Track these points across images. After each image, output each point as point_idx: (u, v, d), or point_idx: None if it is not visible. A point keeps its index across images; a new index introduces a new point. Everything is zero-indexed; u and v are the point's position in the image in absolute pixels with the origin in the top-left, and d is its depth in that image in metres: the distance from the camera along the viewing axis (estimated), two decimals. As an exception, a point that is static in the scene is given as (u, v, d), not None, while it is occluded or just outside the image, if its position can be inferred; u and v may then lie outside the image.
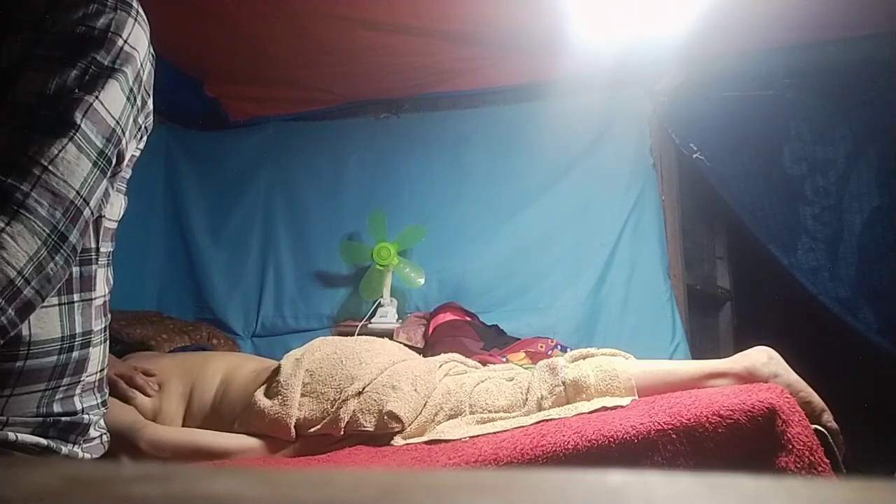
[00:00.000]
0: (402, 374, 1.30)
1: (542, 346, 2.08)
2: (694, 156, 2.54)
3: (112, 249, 0.87)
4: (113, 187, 0.79)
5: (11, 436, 0.73)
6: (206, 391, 1.39)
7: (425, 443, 1.19)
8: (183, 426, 1.36)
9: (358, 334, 2.33)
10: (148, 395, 1.36)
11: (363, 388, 1.27)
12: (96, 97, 0.70)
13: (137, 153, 0.86)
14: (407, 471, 0.33)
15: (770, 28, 2.25)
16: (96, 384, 0.86)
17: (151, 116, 0.84)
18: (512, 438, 1.02)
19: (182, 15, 2.17)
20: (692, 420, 0.94)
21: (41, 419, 0.77)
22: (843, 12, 2.15)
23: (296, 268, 2.87)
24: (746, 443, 0.93)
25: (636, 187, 2.62)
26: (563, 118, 2.65)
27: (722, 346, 2.90)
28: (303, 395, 1.29)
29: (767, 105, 2.54)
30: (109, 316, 0.87)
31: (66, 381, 0.79)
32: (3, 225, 0.63)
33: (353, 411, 1.25)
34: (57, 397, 0.78)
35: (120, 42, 0.73)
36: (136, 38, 0.75)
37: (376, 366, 1.32)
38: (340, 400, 1.25)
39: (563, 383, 1.19)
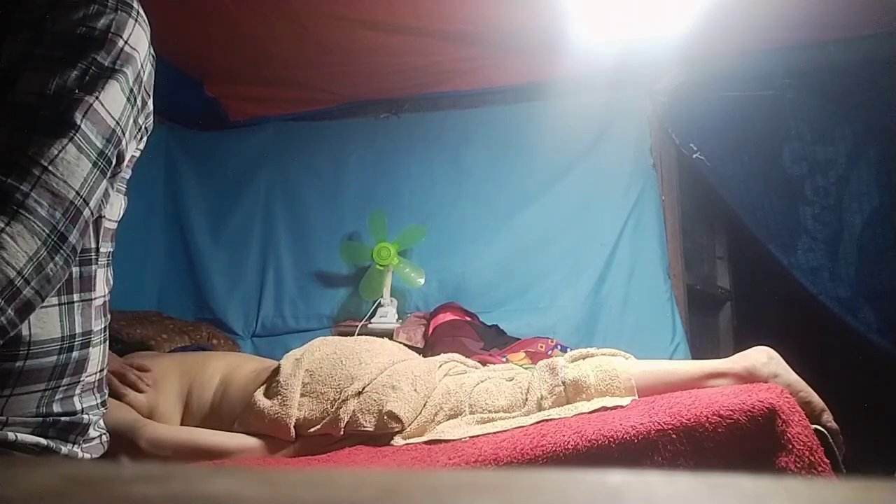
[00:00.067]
0: (401, 374, 1.30)
1: (542, 346, 2.08)
2: (694, 156, 2.54)
3: (112, 250, 0.87)
4: (113, 187, 0.79)
5: (11, 436, 0.73)
6: (205, 391, 1.39)
7: (425, 443, 1.19)
8: (181, 425, 1.36)
9: (358, 334, 2.33)
10: (140, 391, 1.36)
11: (363, 388, 1.27)
12: (96, 98, 0.71)
13: (137, 154, 0.86)
14: (407, 471, 0.33)
15: (770, 28, 2.25)
16: (96, 384, 0.86)
17: (152, 117, 0.84)
18: (512, 438, 1.02)
19: (182, 15, 2.17)
20: (692, 420, 0.94)
21: (41, 419, 0.77)
22: (843, 12, 2.15)
23: (296, 268, 2.87)
24: (746, 443, 0.93)
25: (636, 187, 2.62)
26: (563, 118, 2.65)
27: (722, 346, 2.90)
28: (302, 395, 1.29)
29: (767, 105, 2.54)
30: (109, 316, 0.87)
31: (65, 381, 0.79)
32: (2, 225, 0.63)
33: (353, 411, 1.25)
34: (57, 397, 0.78)
35: (120, 43, 0.73)
36: (137, 38, 0.75)
37: (376, 366, 1.32)
38: (340, 400, 1.25)
39: (563, 383, 1.19)
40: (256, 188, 2.95)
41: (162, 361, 1.47)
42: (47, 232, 0.66)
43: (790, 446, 0.91)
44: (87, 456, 0.84)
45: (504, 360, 1.97)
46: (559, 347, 2.08)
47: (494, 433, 1.13)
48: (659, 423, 0.94)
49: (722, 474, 0.20)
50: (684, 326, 2.49)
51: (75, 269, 0.78)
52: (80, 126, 0.69)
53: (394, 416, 1.22)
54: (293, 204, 2.93)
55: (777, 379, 1.08)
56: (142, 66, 0.77)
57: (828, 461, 0.92)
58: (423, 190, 2.83)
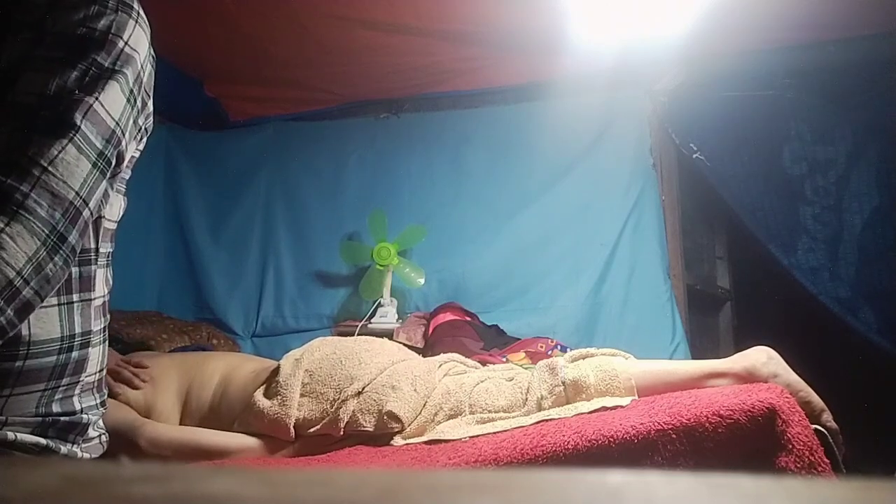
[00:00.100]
0: (401, 374, 1.30)
1: (542, 346, 2.08)
2: (694, 156, 2.55)
3: (111, 250, 0.87)
4: (112, 188, 0.79)
5: (11, 435, 0.73)
6: (205, 390, 1.39)
7: (425, 443, 1.19)
8: (180, 425, 1.36)
9: (358, 334, 2.33)
10: (135, 388, 1.36)
11: (363, 389, 1.27)
12: (96, 98, 0.71)
13: (137, 154, 0.86)
14: (407, 471, 0.33)
15: (770, 28, 2.25)
16: (95, 384, 0.86)
17: (151, 118, 0.84)
18: (512, 438, 1.02)
19: (182, 15, 2.17)
20: (692, 420, 0.94)
21: (40, 419, 0.77)
22: (843, 12, 2.15)
23: (296, 268, 2.87)
24: (746, 443, 0.93)
25: (636, 187, 2.62)
26: (563, 118, 2.65)
27: (722, 346, 2.90)
28: (302, 396, 1.29)
29: (767, 105, 2.54)
30: (109, 316, 0.87)
31: (65, 381, 0.79)
32: (2, 225, 0.63)
33: (353, 411, 1.25)
34: (56, 397, 0.78)
35: (120, 44, 0.73)
36: (137, 39, 0.75)
37: (376, 366, 1.32)
38: (340, 400, 1.25)
39: (563, 383, 1.19)
40: (256, 188, 2.95)
41: (161, 361, 1.47)
42: (47, 232, 0.66)
43: (790, 446, 0.91)
44: (87, 456, 0.84)
45: (504, 360, 1.97)
46: (559, 347, 2.08)
47: (494, 433, 1.13)
48: (659, 423, 0.94)
49: (722, 474, 0.20)
50: (684, 326, 2.49)
51: (75, 270, 0.78)
52: (79, 127, 0.69)
53: (393, 416, 1.22)
54: (293, 204, 2.93)
55: (777, 379, 1.08)
56: (142, 66, 0.77)
57: (828, 461, 0.92)
58: (423, 190, 2.83)
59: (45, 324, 0.75)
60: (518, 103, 2.79)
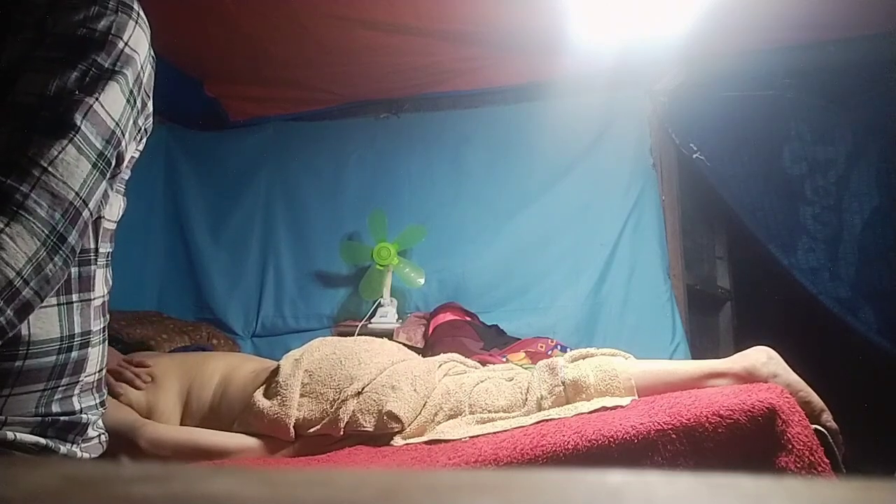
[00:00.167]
0: (401, 375, 1.30)
1: (542, 346, 2.08)
2: (694, 156, 2.55)
3: (111, 250, 0.87)
4: (112, 188, 0.79)
5: (10, 435, 0.73)
6: (205, 391, 1.39)
7: (425, 443, 1.19)
8: (180, 425, 1.36)
9: (358, 334, 2.33)
10: (137, 388, 1.36)
11: (362, 389, 1.27)
12: (96, 99, 0.71)
13: (137, 154, 0.86)
14: (407, 471, 0.33)
15: (770, 28, 2.25)
16: (95, 384, 0.86)
17: (151, 118, 0.84)
18: (512, 438, 1.02)
19: (182, 15, 2.17)
20: (692, 420, 0.94)
21: (40, 419, 0.77)
22: (843, 12, 2.15)
23: (296, 268, 2.87)
24: (746, 443, 0.93)
25: (636, 187, 2.62)
26: (563, 118, 2.65)
27: (722, 346, 2.90)
28: (302, 396, 1.29)
29: (767, 105, 2.54)
30: (108, 316, 0.87)
31: (64, 381, 0.79)
32: (2, 226, 0.63)
33: (353, 411, 1.25)
34: (56, 397, 0.78)
35: (120, 44, 0.73)
36: (137, 40, 0.75)
37: (375, 366, 1.32)
38: (340, 400, 1.25)
39: (563, 383, 1.19)
40: (256, 188, 2.95)
41: (162, 361, 1.47)
42: (46, 233, 0.66)
43: (790, 446, 0.91)
44: (86, 455, 0.84)
45: (504, 360, 1.97)
46: (559, 347, 2.08)
47: (494, 433, 1.13)
48: (659, 423, 0.94)
49: (722, 474, 0.20)
50: (684, 326, 2.49)
51: (74, 270, 0.78)
52: (79, 127, 0.69)
53: (393, 417, 1.22)
54: (293, 204, 2.93)
55: (776, 379, 1.08)
56: (142, 67, 0.77)
57: (828, 461, 0.92)
58: (423, 190, 2.83)
59: (44, 324, 0.75)
60: (518, 103, 2.79)
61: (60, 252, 0.68)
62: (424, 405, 1.27)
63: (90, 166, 0.70)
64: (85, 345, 0.81)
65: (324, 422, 1.25)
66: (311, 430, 1.26)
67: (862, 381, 2.16)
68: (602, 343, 2.00)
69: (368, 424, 1.23)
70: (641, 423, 0.95)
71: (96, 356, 0.84)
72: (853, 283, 2.41)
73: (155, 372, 1.41)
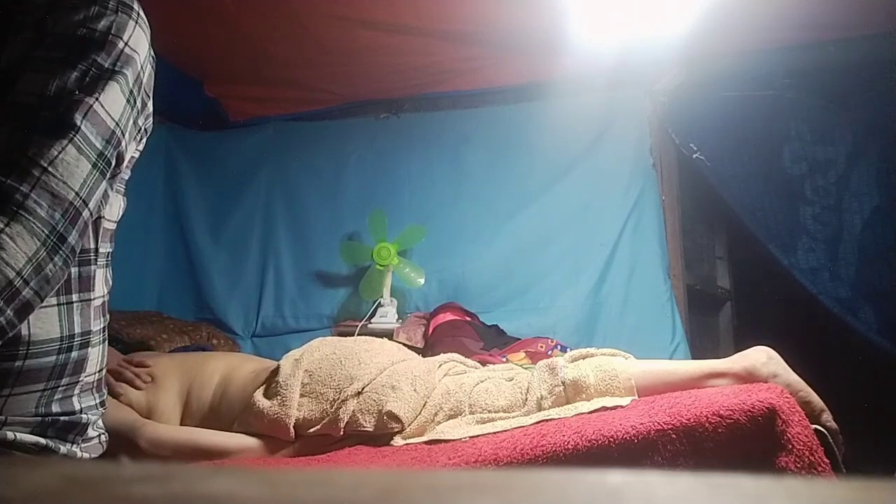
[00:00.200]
0: (401, 375, 1.30)
1: (542, 346, 2.08)
2: (694, 156, 2.55)
3: (111, 250, 0.87)
4: (112, 188, 0.79)
5: (10, 435, 0.73)
6: (205, 391, 1.39)
7: (425, 443, 1.19)
8: (180, 425, 1.36)
9: (358, 334, 2.33)
10: (137, 388, 1.36)
11: (362, 389, 1.27)
12: (96, 99, 0.71)
13: (137, 155, 0.86)
14: (407, 471, 0.33)
15: (770, 28, 2.25)
16: (95, 384, 0.86)
17: (151, 118, 0.84)
18: (512, 438, 1.02)
19: (182, 15, 2.17)
20: (692, 420, 0.94)
21: (40, 419, 0.77)
22: (843, 12, 2.15)
23: (296, 268, 2.87)
24: (746, 443, 0.93)
25: (636, 187, 2.62)
26: (563, 118, 2.65)
27: (722, 346, 2.90)
28: (302, 396, 1.29)
29: (767, 105, 2.54)
30: (108, 316, 0.87)
31: (64, 381, 0.79)
32: (2, 226, 0.63)
33: (353, 411, 1.25)
34: (56, 397, 0.78)
35: (120, 44, 0.73)
36: (137, 40, 0.75)
37: (375, 366, 1.32)
38: (340, 400, 1.25)
39: (563, 383, 1.19)
40: (256, 188, 2.95)
41: (162, 361, 1.47)
42: (46, 233, 0.66)
43: (790, 446, 0.91)
44: (86, 455, 0.84)
45: (504, 360, 1.97)
46: (559, 347, 2.08)
47: (494, 433, 1.13)
48: (659, 423, 0.94)
49: (722, 474, 0.20)
50: (684, 326, 2.49)
51: (74, 270, 0.78)
52: (79, 127, 0.69)
53: (393, 417, 1.22)
54: (293, 204, 2.93)
55: (776, 379, 1.08)
56: (141, 67, 0.77)
57: (828, 461, 0.92)
58: (423, 190, 2.83)
59: (44, 324, 0.75)
60: (518, 103, 2.79)
61: (60, 252, 0.68)
62: (424, 405, 1.27)
63: (90, 166, 0.70)
64: (85, 345, 0.81)
65: (324, 422, 1.25)
66: (311, 430, 1.26)
67: (862, 381, 2.16)
68: (602, 343, 2.00)
69: (368, 424, 1.23)
70: (641, 423, 0.95)
71: (96, 356, 0.84)
72: (853, 283, 2.41)
73: (155, 372, 1.41)
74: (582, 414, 1.10)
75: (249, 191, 2.95)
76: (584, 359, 1.25)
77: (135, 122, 0.78)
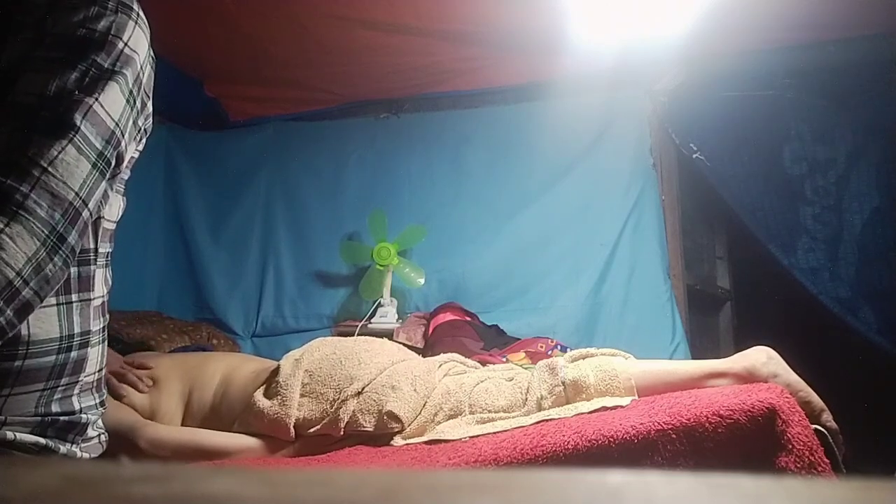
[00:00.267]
0: (401, 375, 1.30)
1: (542, 346, 2.08)
2: (694, 156, 2.55)
3: (110, 250, 0.87)
4: (112, 189, 0.79)
5: (10, 435, 0.74)
6: (206, 391, 1.39)
7: (425, 443, 1.19)
8: (182, 426, 1.36)
9: (358, 334, 2.33)
10: (140, 391, 1.36)
11: (362, 389, 1.27)
12: (96, 99, 0.71)
13: (137, 155, 0.87)
14: (407, 471, 0.33)
15: (770, 28, 2.25)
16: (94, 384, 0.86)
17: (151, 118, 0.84)
18: (512, 438, 1.02)
19: (182, 15, 2.17)
20: (692, 420, 0.94)
21: (39, 418, 0.77)
22: (843, 12, 2.15)
23: (296, 268, 2.87)
24: (746, 443, 0.93)
25: (636, 187, 2.62)
26: (563, 118, 2.65)
27: (722, 346, 2.90)
28: (302, 396, 1.29)
29: (767, 105, 2.54)
30: (108, 316, 0.87)
31: (64, 380, 0.79)
32: (2, 226, 0.63)
33: (353, 411, 1.25)
34: (55, 397, 0.78)
35: (120, 45, 0.73)
36: (137, 40, 0.75)
37: (375, 366, 1.32)
38: (340, 400, 1.25)
39: (563, 383, 1.19)
40: (256, 188, 2.95)
41: (162, 362, 1.47)
42: (46, 233, 0.66)
43: (790, 446, 0.91)
44: (86, 455, 0.85)
45: (504, 360, 1.97)
46: (559, 347, 2.08)
47: (494, 433, 1.13)
48: (659, 423, 0.94)
49: (722, 474, 0.20)
50: (684, 326, 2.49)
51: (74, 270, 0.78)
52: (79, 127, 0.69)
53: (393, 416, 1.22)
54: (293, 204, 2.93)
55: (776, 379, 1.08)
56: (141, 67, 0.77)
57: (828, 461, 0.92)
58: (423, 190, 2.83)
59: (44, 324, 0.75)
60: (518, 103, 2.79)
61: (60, 252, 0.68)
62: (424, 405, 1.27)
63: (90, 166, 0.70)
64: (84, 345, 0.81)
65: (324, 422, 1.25)
66: (312, 430, 1.26)
67: (862, 381, 2.16)
68: (602, 343, 1.99)
69: (368, 424, 1.23)
70: (641, 423, 0.95)
71: (96, 356, 0.84)
72: (853, 283, 2.41)
73: (156, 374, 1.41)
74: (582, 414, 1.10)
75: (249, 191, 2.95)
76: (584, 359, 1.25)
77: (134, 123, 0.78)
